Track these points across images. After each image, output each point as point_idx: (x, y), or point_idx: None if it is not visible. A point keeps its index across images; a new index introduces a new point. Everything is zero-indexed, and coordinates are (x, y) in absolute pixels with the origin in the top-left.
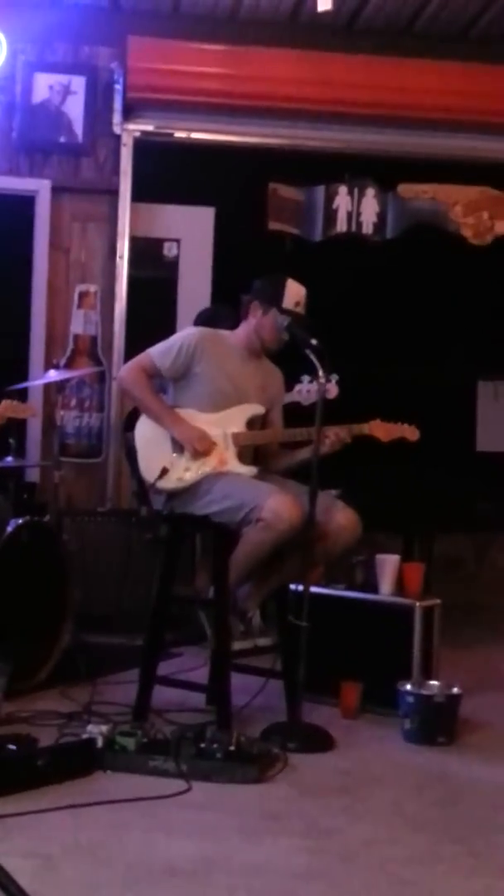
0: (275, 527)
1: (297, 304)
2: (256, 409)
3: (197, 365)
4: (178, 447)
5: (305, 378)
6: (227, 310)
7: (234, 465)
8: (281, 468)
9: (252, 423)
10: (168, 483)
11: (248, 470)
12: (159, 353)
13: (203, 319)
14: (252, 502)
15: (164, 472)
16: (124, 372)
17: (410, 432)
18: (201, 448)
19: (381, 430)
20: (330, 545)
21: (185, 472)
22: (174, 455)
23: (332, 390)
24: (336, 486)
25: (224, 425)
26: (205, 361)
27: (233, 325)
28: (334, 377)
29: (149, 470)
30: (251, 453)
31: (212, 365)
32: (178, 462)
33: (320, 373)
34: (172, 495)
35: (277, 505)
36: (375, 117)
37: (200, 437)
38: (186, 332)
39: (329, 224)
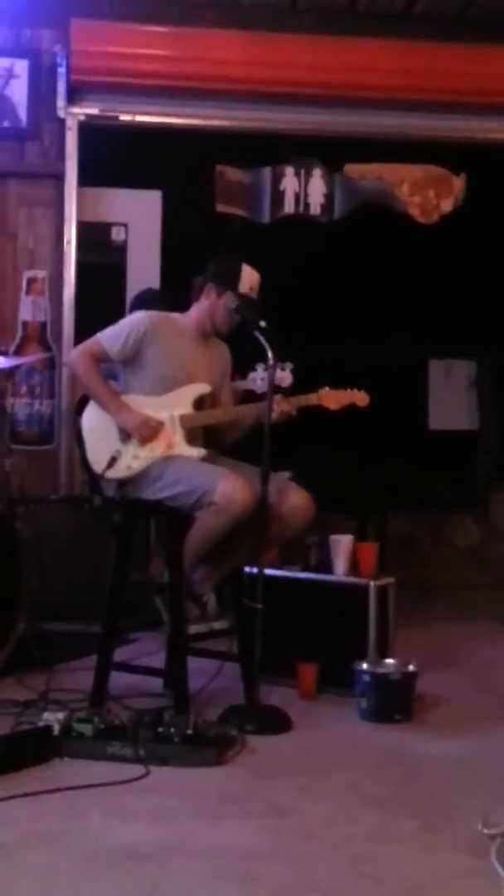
0: (227, 510)
1: (252, 288)
2: (203, 388)
3: (147, 349)
4: (125, 435)
5: (260, 367)
6: (161, 292)
7: (183, 448)
8: (230, 441)
9: (200, 403)
10: (117, 472)
11: (197, 452)
12: (108, 338)
13: (139, 302)
14: (203, 486)
15: (113, 461)
16: (73, 356)
17: (360, 398)
18: (146, 434)
19: (331, 398)
20: (283, 527)
21: (133, 459)
22: (121, 443)
23: (287, 378)
24: (288, 468)
25: (171, 407)
26: (154, 345)
27: (168, 307)
28: (289, 366)
29: (97, 460)
30: (201, 433)
31: (161, 349)
32: (126, 450)
33: (269, 354)
34: (124, 482)
35: (229, 488)
36: (320, 97)
37: (143, 424)
38: (135, 317)
39: (276, 205)
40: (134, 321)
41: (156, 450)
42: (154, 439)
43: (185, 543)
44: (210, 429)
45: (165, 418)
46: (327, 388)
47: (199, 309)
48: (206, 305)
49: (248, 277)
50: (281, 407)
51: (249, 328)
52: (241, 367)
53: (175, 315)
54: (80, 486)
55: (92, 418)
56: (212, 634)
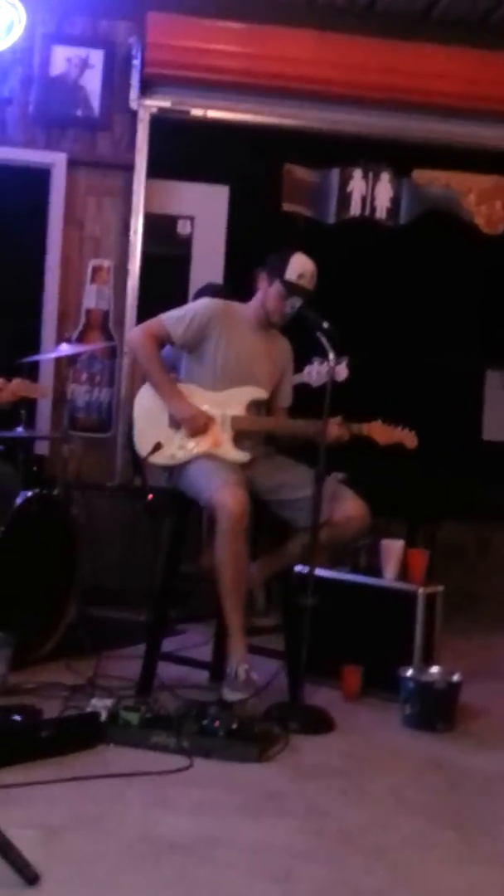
0: (221, 523)
1: (301, 276)
2: (259, 393)
3: (209, 338)
4: (174, 422)
5: (316, 360)
6: (221, 287)
7: (227, 449)
8: (284, 446)
9: (253, 407)
10: (160, 459)
11: (241, 455)
12: (172, 320)
13: (197, 296)
14: (206, 494)
15: (158, 447)
16: (134, 334)
17: (409, 439)
18: (196, 428)
19: (381, 433)
20: (336, 534)
21: (178, 449)
22: (170, 430)
23: (342, 372)
24: (341, 471)
25: (224, 406)
26: (216, 334)
27: None
28: (344, 359)
29: (142, 443)
30: (254, 436)
31: (223, 338)
32: (173, 438)
33: (330, 356)
34: (171, 470)
35: (220, 499)
36: (392, 102)
37: (196, 417)
38: (200, 303)
39: (343, 207)
40: (199, 307)
41: (201, 445)
42: (203, 434)
43: (216, 557)
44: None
45: (217, 416)
46: (379, 422)
47: (256, 299)
48: (260, 295)
49: (299, 265)
50: (333, 431)
51: (311, 329)
52: (296, 360)
53: (239, 305)
54: (129, 463)
55: (145, 400)
56: (257, 631)
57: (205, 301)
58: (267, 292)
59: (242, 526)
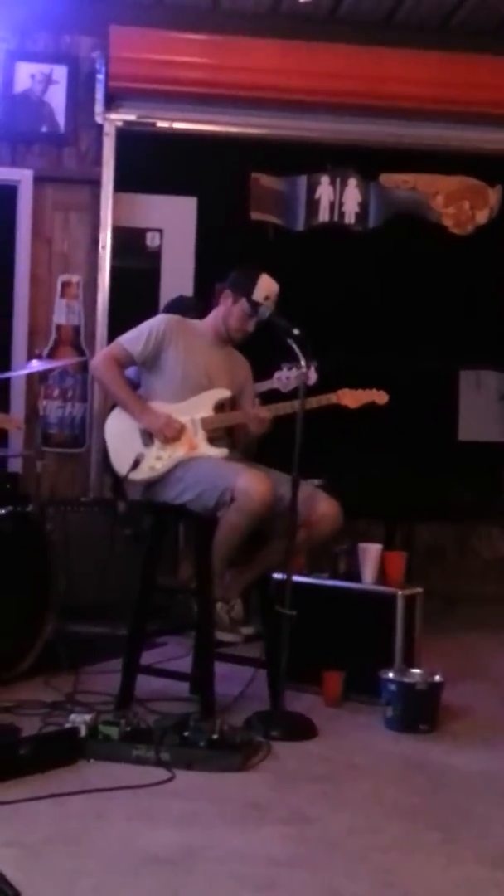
0: (246, 506)
1: (267, 298)
2: (223, 393)
3: (166, 351)
4: (147, 438)
5: (285, 366)
6: (192, 300)
7: (205, 449)
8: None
9: (220, 408)
10: (141, 474)
11: (219, 452)
12: (129, 340)
13: (170, 310)
14: (223, 484)
15: (136, 463)
16: (96, 361)
17: (379, 396)
18: (170, 433)
19: (349, 397)
20: (312, 534)
21: (156, 461)
22: (143, 446)
23: (311, 377)
24: (318, 476)
25: (192, 412)
26: (173, 347)
27: (198, 315)
28: (313, 364)
29: (120, 463)
30: (224, 435)
31: (180, 351)
32: (149, 452)
33: (302, 361)
34: (149, 486)
35: (247, 483)
36: (357, 107)
37: (168, 423)
38: (155, 319)
39: (311, 214)
40: (153, 323)
41: (178, 451)
42: (177, 440)
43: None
44: (233, 431)
45: (187, 422)
46: (346, 389)
47: (215, 314)
48: (222, 311)
49: (266, 287)
50: (261, 413)
51: (283, 336)
52: (266, 367)
53: (194, 321)
54: (110, 489)
55: (115, 423)
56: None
57: (159, 317)
58: (230, 309)
59: (264, 512)
